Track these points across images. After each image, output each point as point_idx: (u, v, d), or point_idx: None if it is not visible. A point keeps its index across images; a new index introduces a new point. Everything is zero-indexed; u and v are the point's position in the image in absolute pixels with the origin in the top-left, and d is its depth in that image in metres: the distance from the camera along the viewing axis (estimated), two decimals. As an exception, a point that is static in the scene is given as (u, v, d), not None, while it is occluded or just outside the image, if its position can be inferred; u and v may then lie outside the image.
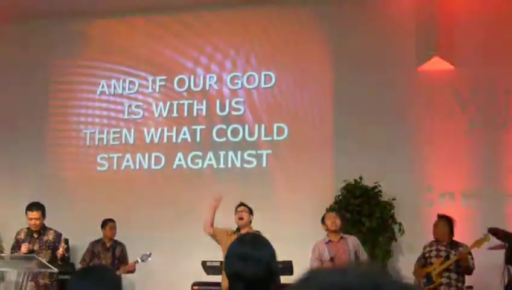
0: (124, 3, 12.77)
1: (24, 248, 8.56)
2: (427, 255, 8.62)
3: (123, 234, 10.41)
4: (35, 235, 8.88)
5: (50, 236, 8.86)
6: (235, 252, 2.94)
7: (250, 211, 8.45)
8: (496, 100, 11.62)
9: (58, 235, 8.92)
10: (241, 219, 8.30)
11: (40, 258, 8.28)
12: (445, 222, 8.65)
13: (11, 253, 8.96)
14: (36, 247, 8.74)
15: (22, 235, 8.96)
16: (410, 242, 10.67)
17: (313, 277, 1.18)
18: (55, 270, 8.44)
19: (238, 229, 8.22)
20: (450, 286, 8.36)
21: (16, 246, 8.91)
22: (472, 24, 11.71)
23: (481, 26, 11.66)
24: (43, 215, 8.89)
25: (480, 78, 11.62)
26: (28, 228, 8.97)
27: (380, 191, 11.12)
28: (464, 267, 8.35)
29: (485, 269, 9.25)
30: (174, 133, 12.61)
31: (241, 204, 8.48)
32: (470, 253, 8.40)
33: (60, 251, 8.50)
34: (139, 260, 9.65)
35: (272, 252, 2.98)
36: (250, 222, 8.41)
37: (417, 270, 8.68)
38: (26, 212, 8.87)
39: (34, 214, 8.80)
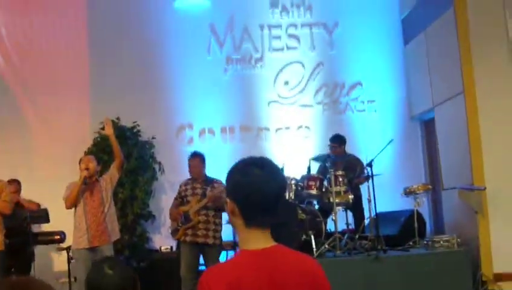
0: None
1: None
2: (183, 194, 8.55)
3: None
4: None
5: None
6: None
7: None
8: (251, 35, 11.76)
9: None
10: None
11: None
12: (199, 159, 8.58)
13: None
14: None
15: None
16: (171, 181, 10.59)
17: None
18: None
19: None
20: (208, 223, 8.36)
21: None
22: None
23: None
24: None
25: (236, 12, 11.67)
26: None
27: (139, 130, 10.91)
28: (219, 206, 8.37)
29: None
30: None
31: None
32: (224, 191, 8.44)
33: None
34: None
35: None
36: None
37: (173, 211, 8.57)
38: None
39: None
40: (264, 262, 2.38)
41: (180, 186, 8.67)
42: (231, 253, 10.27)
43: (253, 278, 2.35)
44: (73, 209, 7.92)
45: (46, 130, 11.20)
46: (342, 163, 9.28)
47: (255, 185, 2.39)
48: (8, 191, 8.08)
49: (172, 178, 10.55)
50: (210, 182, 8.50)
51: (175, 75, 11.44)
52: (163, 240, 10.63)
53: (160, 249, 10.47)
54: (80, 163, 8.07)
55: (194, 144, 11.20)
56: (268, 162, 2.49)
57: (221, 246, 8.71)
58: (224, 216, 8.52)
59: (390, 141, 9.58)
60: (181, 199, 8.57)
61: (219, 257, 8.62)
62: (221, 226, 8.54)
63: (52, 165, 10.69)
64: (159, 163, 10.91)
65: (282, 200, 2.50)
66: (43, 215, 9.41)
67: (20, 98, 11.41)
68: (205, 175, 8.62)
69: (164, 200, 10.82)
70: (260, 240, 2.42)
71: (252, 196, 2.39)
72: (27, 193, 9.79)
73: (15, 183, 9.59)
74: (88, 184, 7.89)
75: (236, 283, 2.33)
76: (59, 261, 10.36)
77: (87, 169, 7.87)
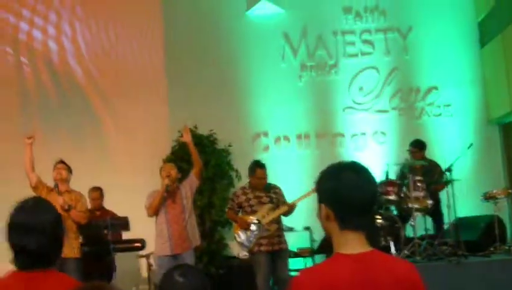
0: None
1: None
2: (245, 204, 8.31)
3: None
4: None
5: None
6: (16, 222, 2.67)
7: (69, 169, 8.07)
8: (325, 41, 11.77)
9: None
10: (59, 174, 7.94)
11: None
12: (265, 169, 8.38)
13: None
14: None
15: None
16: (248, 188, 10.64)
17: None
18: None
19: (57, 186, 7.87)
20: (281, 229, 8.35)
21: None
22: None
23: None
24: None
25: (309, 20, 11.70)
26: None
27: (216, 138, 11.03)
28: (290, 212, 8.35)
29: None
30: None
31: (60, 161, 8.09)
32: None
33: None
34: None
35: (55, 217, 2.72)
36: (68, 179, 8.04)
37: (242, 221, 8.32)
38: None
39: None
40: (359, 267, 2.38)
41: (237, 196, 8.42)
42: (308, 260, 10.29)
43: (347, 282, 2.35)
44: (154, 216, 8.05)
45: (125, 139, 11.42)
46: (420, 168, 9.18)
47: (351, 188, 2.41)
48: (84, 201, 8.23)
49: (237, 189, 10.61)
50: (270, 189, 8.41)
51: (250, 83, 11.54)
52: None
53: (238, 256, 10.53)
54: (160, 171, 8.20)
55: (269, 151, 11.29)
56: (360, 166, 2.51)
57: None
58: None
59: (470, 146, 9.45)
60: (240, 209, 8.40)
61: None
62: None
63: (131, 173, 10.89)
64: (236, 170, 10.99)
65: (376, 203, 2.51)
66: (123, 223, 9.53)
67: (99, 108, 11.68)
68: None
69: (241, 207, 10.90)
70: (356, 245, 2.43)
71: (348, 199, 2.40)
72: (107, 201, 9.98)
73: (98, 191, 9.81)
74: (170, 192, 8.00)
75: (330, 286, 2.34)
76: (139, 269, 10.53)
77: (168, 176, 7.99)
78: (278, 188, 8.43)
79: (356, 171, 2.47)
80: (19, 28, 11.95)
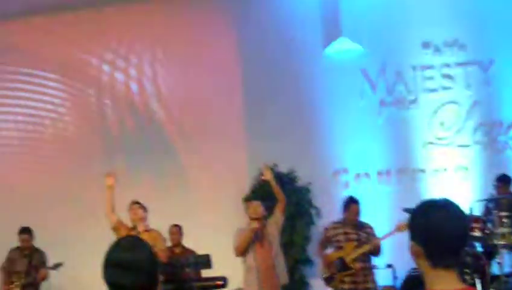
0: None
1: None
2: (333, 239, 8.35)
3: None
4: None
5: None
6: (112, 260, 2.72)
7: (145, 209, 8.22)
8: (404, 77, 11.68)
9: None
10: (135, 214, 8.14)
11: None
12: (358, 204, 8.38)
13: None
14: None
15: None
16: (328, 226, 10.58)
17: None
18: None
19: (135, 226, 8.10)
20: (366, 269, 8.24)
21: None
22: (376, 1, 11.69)
23: (385, 3, 11.67)
24: None
25: (387, 55, 11.64)
26: None
27: (296, 176, 11.01)
28: (377, 252, 8.25)
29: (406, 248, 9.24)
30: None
31: (135, 202, 8.26)
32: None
33: None
34: (50, 269, 9.46)
35: (150, 255, 2.77)
36: (145, 219, 8.24)
37: (326, 257, 8.40)
38: None
39: None
40: None
41: (327, 230, 8.52)
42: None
43: None
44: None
45: (206, 178, 11.55)
46: (506, 203, 8.97)
47: (440, 227, 2.37)
48: (163, 239, 8.36)
49: (329, 223, 10.55)
50: (361, 226, 8.37)
51: (329, 120, 11.53)
52: (322, 286, 10.59)
53: (320, 294, 10.46)
54: (246, 209, 8.25)
55: (350, 188, 11.20)
56: (451, 203, 2.47)
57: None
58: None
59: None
60: (329, 244, 8.43)
61: None
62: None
63: (213, 211, 10.99)
64: (316, 208, 10.94)
65: (467, 241, 2.48)
66: (205, 261, 9.56)
67: (180, 148, 11.91)
68: None
69: (322, 245, 10.82)
70: (448, 281, 2.39)
71: (437, 238, 2.37)
72: (189, 240, 10.06)
73: (177, 227, 9.95)
74: (257, 231, 8.00)
75: None
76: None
77: (257, 219, 7.99)
78: (370, 227, 8.37)
79: (447, 209, 2.43)
80: (101, 70, 12.29)
